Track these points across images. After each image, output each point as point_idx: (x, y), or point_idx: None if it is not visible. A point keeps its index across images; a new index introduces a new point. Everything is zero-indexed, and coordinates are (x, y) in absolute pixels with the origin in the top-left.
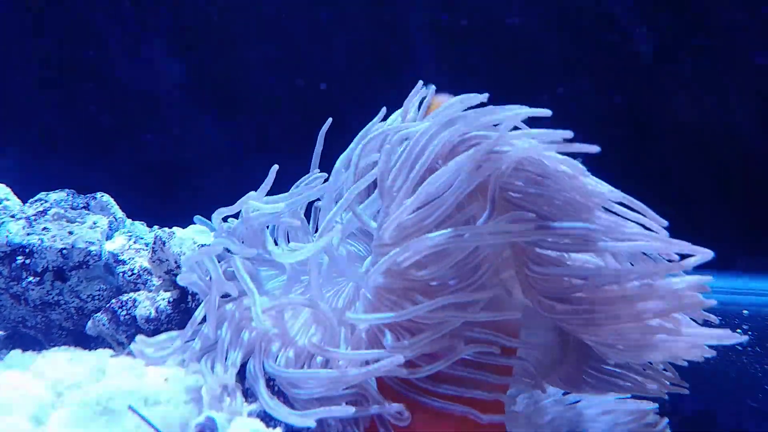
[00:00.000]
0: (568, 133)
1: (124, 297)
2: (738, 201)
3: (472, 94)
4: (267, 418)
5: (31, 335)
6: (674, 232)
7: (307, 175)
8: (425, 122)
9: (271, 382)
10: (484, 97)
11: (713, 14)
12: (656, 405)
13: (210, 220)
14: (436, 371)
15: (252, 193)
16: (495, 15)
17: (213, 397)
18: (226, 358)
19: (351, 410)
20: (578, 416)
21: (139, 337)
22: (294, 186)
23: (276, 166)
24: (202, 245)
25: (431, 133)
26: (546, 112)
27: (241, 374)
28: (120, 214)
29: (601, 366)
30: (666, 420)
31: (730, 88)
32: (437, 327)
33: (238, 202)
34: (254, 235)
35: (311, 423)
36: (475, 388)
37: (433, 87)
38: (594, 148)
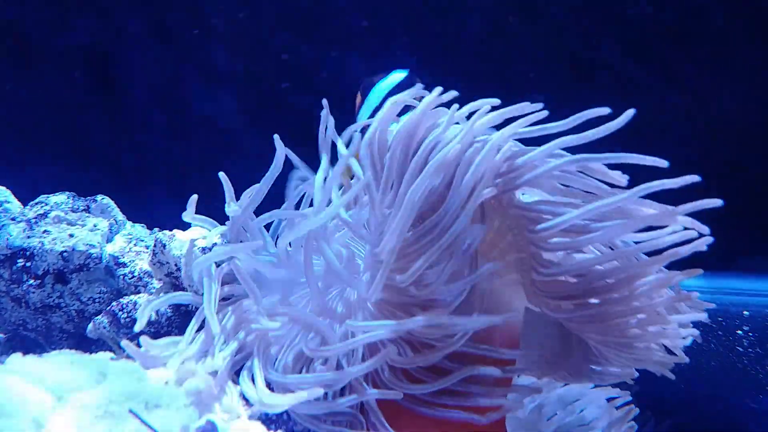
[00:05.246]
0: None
1: (125, 300)
2: (738, 200)
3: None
4: (268, 421)
5: (32, 338)
6: None
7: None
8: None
9: (269, 386)
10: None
11: None
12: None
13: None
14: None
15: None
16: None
17: (209, 395)
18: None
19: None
20: (580, 419)
21: (143, 338)
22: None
23: (222, 173)
24: (203, 249)
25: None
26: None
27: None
28: (120, 216)
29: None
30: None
31: (728, 82)
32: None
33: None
34: (253, 236)
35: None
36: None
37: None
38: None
